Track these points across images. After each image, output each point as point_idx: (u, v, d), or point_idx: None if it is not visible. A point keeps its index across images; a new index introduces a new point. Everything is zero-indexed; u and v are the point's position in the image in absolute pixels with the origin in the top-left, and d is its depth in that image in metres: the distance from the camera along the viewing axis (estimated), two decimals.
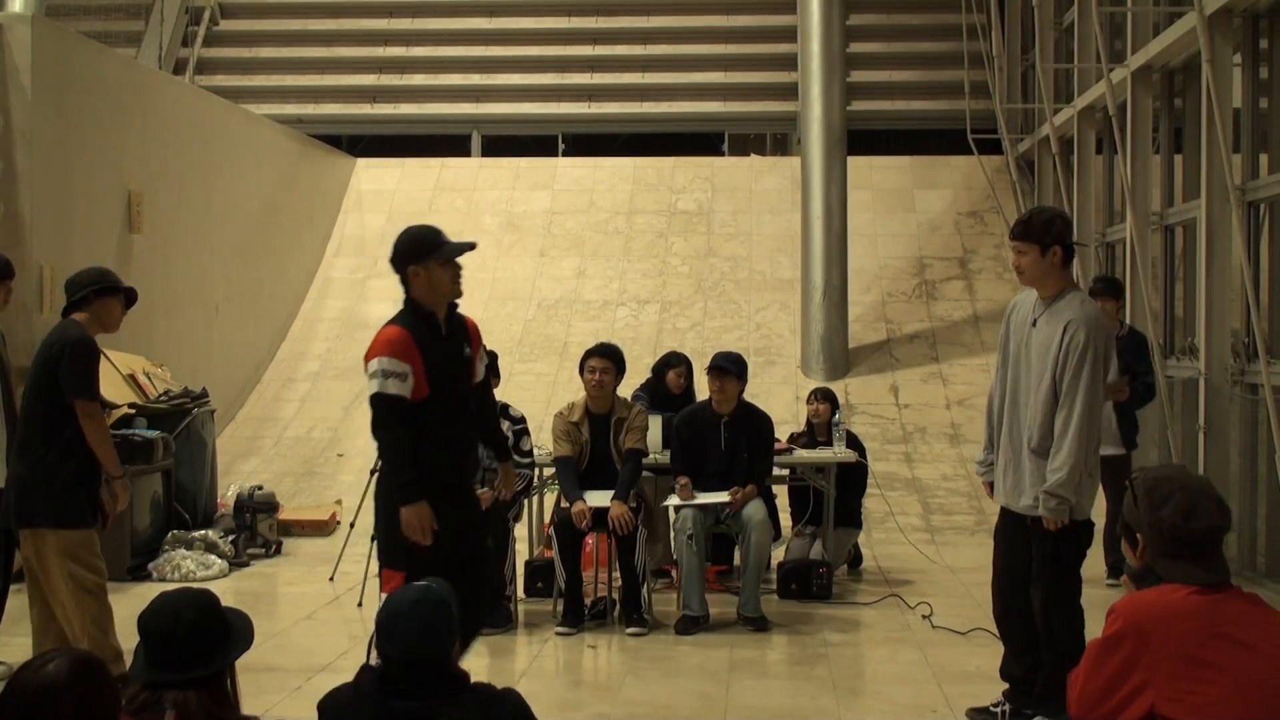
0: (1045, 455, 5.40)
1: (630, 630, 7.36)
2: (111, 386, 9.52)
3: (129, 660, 3.17)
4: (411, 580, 3.99)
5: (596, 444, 7.68)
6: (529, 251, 15.59)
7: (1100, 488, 6.06)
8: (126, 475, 6.03)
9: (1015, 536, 5.58)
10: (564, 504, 7.67)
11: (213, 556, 9.03)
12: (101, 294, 5.86)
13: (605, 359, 7.70)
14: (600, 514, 7.43)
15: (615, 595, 7.67)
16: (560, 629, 7.39)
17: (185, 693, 3.03)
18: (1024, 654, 5.59)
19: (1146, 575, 3.37)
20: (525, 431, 7.81)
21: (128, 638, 3.60)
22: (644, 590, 7.51)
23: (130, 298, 6.03)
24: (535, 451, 7.99)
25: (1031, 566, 5.50)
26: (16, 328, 8.56)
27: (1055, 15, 14.54)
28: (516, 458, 7.72)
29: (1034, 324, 5.47)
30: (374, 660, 3.43)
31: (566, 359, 13.48)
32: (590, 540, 7.91)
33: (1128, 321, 9.33)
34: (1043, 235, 5.38)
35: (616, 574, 7.65)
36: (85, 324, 5.84)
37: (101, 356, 5.93)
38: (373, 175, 16.82)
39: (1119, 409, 8.27)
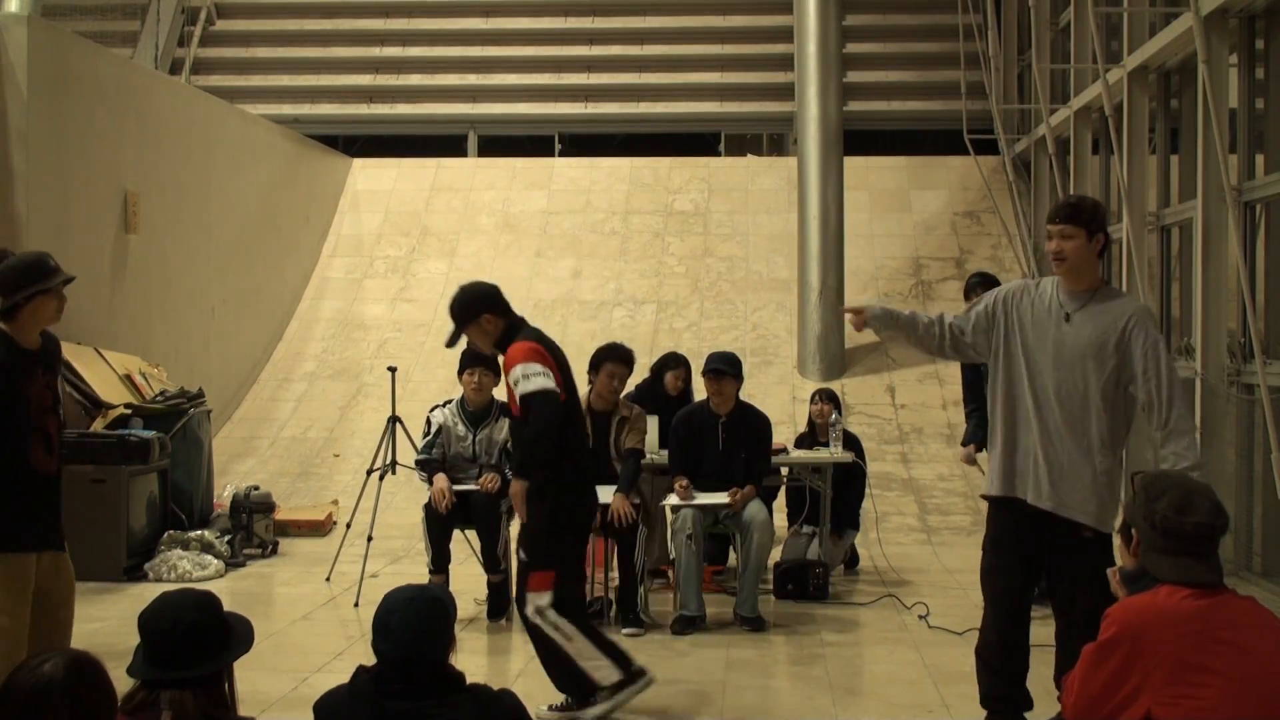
0: (1109, 458, 5.02)
1: (627, 630, 7.34)
2: (107, 386, 9.53)
3: (124, 662, 3.16)
4: None
5: (597, 443, 7.66)
6: (525, 252, 15.58)
7: None
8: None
9: (1025, 547, 5.08)
10: None
11: (209, 557, 9.03)
12: (32, 298, 5.10)
13: (624, 365, 7.70)
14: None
15: (612, 595, 7.66)
16: None
17: (182, 693, 3.02)
18: (1019, 678, 5.18)
19: (1141, 576, 3.37)
20: None
21: (128, 636, 3.59)
22: (641, 590, 7.51)
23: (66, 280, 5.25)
24: None
25: (1051, 583, 5.12)
26: None
27: (1051, 16, 14.55)
28: None
29: (1066, 318, 5.07)
30: None
31: None
32: None
33: None
34: (1091, 221, 5.04)
35: (613, 574, 7.65)
36: (12, 334, 5.09)
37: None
38: (369, 175, 16.81)
39: None
